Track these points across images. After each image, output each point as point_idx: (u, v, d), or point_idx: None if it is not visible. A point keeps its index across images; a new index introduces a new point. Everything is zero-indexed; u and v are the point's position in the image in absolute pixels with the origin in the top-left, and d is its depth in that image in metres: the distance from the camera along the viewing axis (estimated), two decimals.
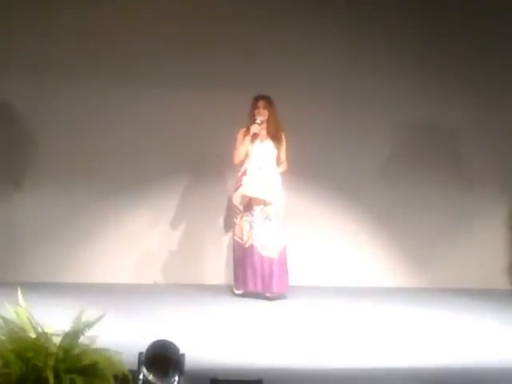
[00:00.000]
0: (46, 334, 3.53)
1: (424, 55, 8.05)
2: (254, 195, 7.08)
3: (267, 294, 7.07)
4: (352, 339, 5.63)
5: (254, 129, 7.14)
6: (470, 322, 6.29)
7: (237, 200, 7.19)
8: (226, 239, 7.86)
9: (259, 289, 7.07)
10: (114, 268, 7.72)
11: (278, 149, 7.20)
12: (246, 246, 7.09)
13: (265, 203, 7.10)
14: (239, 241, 7.15)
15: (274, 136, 7.21)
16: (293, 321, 6.33)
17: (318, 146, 7.86)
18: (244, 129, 7.21)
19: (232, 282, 7.35)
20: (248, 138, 7.13)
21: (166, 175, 7.86)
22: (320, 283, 7.75)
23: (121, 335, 4.96)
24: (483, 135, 8.14)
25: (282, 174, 7.24)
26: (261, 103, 7.17)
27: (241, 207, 7.15)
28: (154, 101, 7.77)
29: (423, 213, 8.08)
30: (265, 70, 7.77)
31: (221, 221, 7.87)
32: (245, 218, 7.11)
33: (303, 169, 7.57)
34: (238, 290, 7.21)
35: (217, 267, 7.81)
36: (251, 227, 7.08)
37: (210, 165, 7.80)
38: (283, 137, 7.23)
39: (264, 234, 7.07)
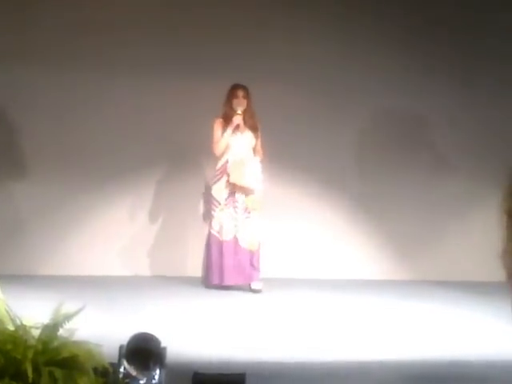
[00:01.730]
0: (25, 326, 3.56)
1: (410, 43, 8.05)
2: (243, 184, 7.09)
3: (253, 287, 7.11)
4: (337, 332, 5.67)
5: (237, 120, 7.14)
6: (460, 315, 6.30)
7: (216, 192, 7.19)
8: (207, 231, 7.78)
9: (239, 282, 7.11)
10: (94, 260, 7.71)
11: (256, 139, 7.23)
12: (225, 238, 7.10)
13: (246, 194, 7.13)
14: (216, 234, 7.15)
15: (252, 126, 7.22)
16: (275, 314, 6.36)
17: (295, 134, 7.88)
18: (220, 118, 7.21)
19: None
20: (229, 128, 7.14)
21: (144, 166, 7.82)
22: (301, 276, 7.75)
23: (101, 328, 4.97)
24: (468, 120, 8.10)
25: (259, 163, 7.28)
26: (240, 92, 7.16)
27: (221, 199, 7.15)
28: (130, 90, 7.76)
29: (408, 201, 8.04)
30: (242, 56, 7.75)
31: (201, 212, 7.84)
32: (226, 210, 7.12)
33: (280, 158, 7.64)
34: (210, 283, 7.19)
35: (198, 259, 7.73)
36: (232, 219, 7.10)
37: (188, 154, 7.80)
38: (259, 127, 7.25)
39: (245, 227, 7.10)
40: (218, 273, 7.12)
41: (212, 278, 7.18)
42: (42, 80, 7.66)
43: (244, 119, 7.18)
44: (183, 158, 7.85)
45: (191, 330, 5.59)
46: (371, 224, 8.00)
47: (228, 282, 7.10)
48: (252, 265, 7.12)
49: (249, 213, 7.15)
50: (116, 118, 7.79)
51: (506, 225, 1.37)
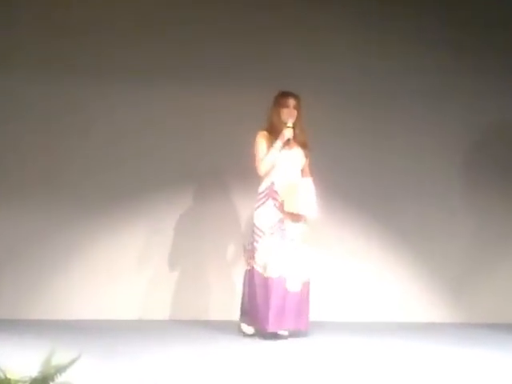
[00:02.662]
0: (9, 380, 3.25)
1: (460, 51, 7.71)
2: (299, 211, 6.23)
3: (285, 332, 6.24)
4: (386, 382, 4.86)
5: (288, 133, 6.27)
6: None
7: (260, 219, 6.27)
8: (229, 266, 7.29)
9: (284, 327, 6.24)
10: (88, 302, 7.13)
11: (307, 157, 6.39)
12: (271, 275, 6.18)
13: (297, 223, 6.26)
14: (259, 270, 6.24)
15: (302, 143, 6.38)
16: (318, 362, 5.53)
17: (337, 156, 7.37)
18: (264, 131, 6.36)
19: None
20: (277, 143, 6.27)
21: (153, 188, 7.25)
22: (342, 318, 7.36)
23: (100, 381, 4.48)
24: None
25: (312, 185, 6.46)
26: (292, 101, 6.30)
27: (265, 228, 6.24)
28: (128, 98, 7.27)
29: (455, 239, 7.68)
30: (277, 63, 7.30)
31: (226, 244, 7.31)
32: (272, 241, 6.21)
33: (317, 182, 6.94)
34: (249, 327, 6.36)
35: (219, 299, 7.24)
36: (280, 252, 6.20)
37: (210, 177, 7.30)
38: (309, 144, 6.41)
39: (293, 263, 6.21)
40: (260, 316, 6.21)
41: (251, 322, 6.31)
42: (27, 90, 7.12)
43: (295, 133, 6.32)
44: (204, 180, 7.31)
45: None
46: (418, 263, 7.64)
47: (276, 327, 6.19)
48: (300, 308, 6.25)
49: (298, 245, 6.27)
50: (115, 131, 7.26)
51: None
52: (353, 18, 7.55)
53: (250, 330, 6.35)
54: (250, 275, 6.29)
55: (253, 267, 6.25)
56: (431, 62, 7.64)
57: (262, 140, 6.30)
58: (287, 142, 6.26)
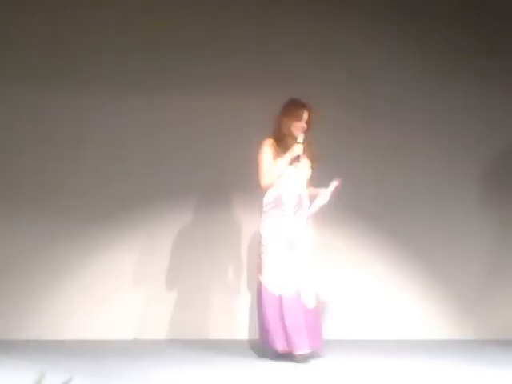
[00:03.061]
0: None
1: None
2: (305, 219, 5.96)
3: (299, 353, 5.82)
4: None
5: (299, 150, 5.95)
6: None
7: (267, 232, 5.91)
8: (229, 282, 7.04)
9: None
10: (83, 321, 6.92)
11: (313, 169, 6.08)
12: (285, 294, 5.83)
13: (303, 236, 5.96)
14: (268, 287, 5.88)
15: (311, 155, 6.05)
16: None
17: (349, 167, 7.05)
18: (271, 140, 6.03)
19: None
20: (286, 157, 5.93)
21: (147, 203, 7.04)
22: (352, 336, 7.11)
23: None
24: None
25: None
26: (305, 114, 5.97)
27: (272, 240, 5.89)
28: (115, 108, 7.07)
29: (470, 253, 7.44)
30: (286, 71, 7.08)
31: (228, 258, 7.06)
32: (278, 255, 5.88)
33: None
34: (273, 349, 5.91)
35: (220, 318, 6.98)
36: (289, 268, 5.86)
37: (211, 190, 7.09)
38: (317, 157, 6.11)
39: (305, 277, 5.88)
40: (279, 337, 5.83)
41: (274, 343, 5.87)
42: (15, 101, 6.95)
43: (304, 144, 6.01)
44: (205, 191, 7.10)
45: None
46: (429, 279, 7.40)
47: (279, 347, 5.85)
48: (310, 325, 5.86)
49: (306, 261, 5.91)
50: (109, 143, 7.06)
51: None
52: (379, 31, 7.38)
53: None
54: (259, 292, 5.96)
55: (261, 283, 5.92)
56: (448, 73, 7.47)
57: (268, 149, 5.98)
58: (296, 159, 5.96)
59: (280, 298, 5.81)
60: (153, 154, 7.07)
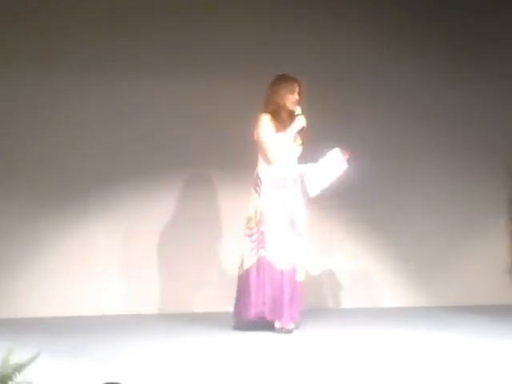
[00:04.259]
0: None
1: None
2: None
3: (287, 327, 6.00)
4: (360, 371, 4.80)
5: (302, 121, 5.94)
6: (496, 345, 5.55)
7: (264, 205, 5.97)
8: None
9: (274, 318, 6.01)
10: (51, 299, 6.94)
11: (303, 143, 6.09)
12: (282, 268, 5.96)
13: (299, 211, 6.02)
14: (268, 259, 5.96)
15: (301, 130, 6.04)
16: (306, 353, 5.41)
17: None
18: (268, 115, 6.00)
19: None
20: (291, 132, 5.95)
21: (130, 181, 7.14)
22: (320, 306, 7.29)
23: (61, 379, 4.31)
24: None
25: None
26: (297, 87, 5.97)
27: (271, 216, 5.95)
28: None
29: (417, 215, 7.68)
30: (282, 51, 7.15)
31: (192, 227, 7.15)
32: (279, 231, 5.97)
33: None
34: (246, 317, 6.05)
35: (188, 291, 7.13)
36: (287, 242, 5.96)
37: (198, 167, 7.21)
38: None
39: (291, 250, 5.97)
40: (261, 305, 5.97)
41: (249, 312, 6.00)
42: None
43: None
44: (191, 167, 7.23)
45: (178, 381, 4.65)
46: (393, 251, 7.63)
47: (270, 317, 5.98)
48: (294, 299, 6.00)
49: (297, 234, 6.02)
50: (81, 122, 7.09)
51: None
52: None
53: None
54: (258, 266, 5.99)
55: (263, 256, 5.97)
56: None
57: (268, 124, 5.97)
58: (302, 131, 5.98)
59: (281, 272, 5.93)
60: (119, 136, 7.11)
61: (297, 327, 6.07)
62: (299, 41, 7.28)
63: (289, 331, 5.95)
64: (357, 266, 7.51)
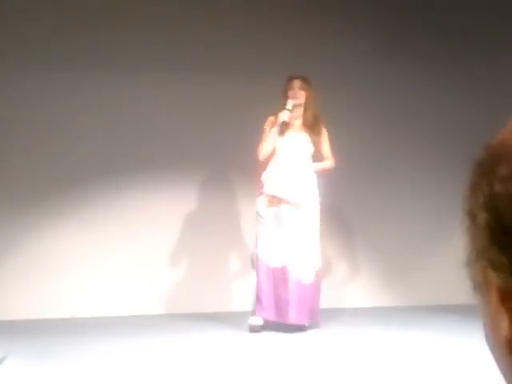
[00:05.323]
0: None
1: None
2: (278, 194, 6.04)
3: (306, 324, 6.08)
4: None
5: (284, 116, 6.02)
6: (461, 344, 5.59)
7: (261, 207, 6.11)
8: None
9: (291, 320, 6.04)
10: (22, 302, 6.87)
11: (317, 143, 6.13)
12: (274, 265, 6.04)
13: (296, 210, 6.04)
14: (263, 259, 6.06)
15: (312, 127, 6.13)
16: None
17: None
18: (272, 117, 6.12)
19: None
20: (276, 128, 6.07)
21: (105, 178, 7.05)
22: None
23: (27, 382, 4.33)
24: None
25: (330, 171, 6.25)
26: (296, 83, 6.05)
27: (266, 216, 6.07)
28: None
29: (391, 221, 7.66)
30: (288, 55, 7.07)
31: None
32: (272, 230, 6.04)
33: None
34: (261, 316, 6.09)
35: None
36: (281, 242, 6.02)
37: (205, 171, 7.19)
38: (323, 128, 6.16)
39: (297, 253, 6.03)
40: (268, 306, 6.05)
41: (261, 312, 6.06)
42: None
43: (304, 117, 6.10)
44: (200, 171, 7.20)
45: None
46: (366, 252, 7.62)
47: (281, 319, 6.03)
48: (304, 302, 6.05)
49: (303, 234, 6.05)
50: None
51: (469, 228, 0.82)
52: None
53: (257, 320, 6.09)
54: (257, 263, 6.11)
55: (256, 254, 6.11)
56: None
57: (266, 125, 6.12)
58: (285, 126, 6.04)
59: (273, 270, 6.02)
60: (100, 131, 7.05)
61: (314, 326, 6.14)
62: (296, 46, 7.28)
63: (301, 328, 6.01)
64: (331, 267, 7.46)
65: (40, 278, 6.95)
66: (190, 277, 7.22)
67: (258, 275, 6.10)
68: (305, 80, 6.07)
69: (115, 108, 7.10)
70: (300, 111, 6.12)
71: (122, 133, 7.08)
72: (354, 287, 7.57)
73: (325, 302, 7.07)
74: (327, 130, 6.20)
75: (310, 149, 6.13)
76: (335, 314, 6.77)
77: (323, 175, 6.22)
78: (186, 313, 6.93)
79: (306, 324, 6.10)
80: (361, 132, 7.50)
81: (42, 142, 6.97)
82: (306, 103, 6.10)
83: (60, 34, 6.94)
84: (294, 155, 6.09)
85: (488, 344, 0.76)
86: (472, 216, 0.82)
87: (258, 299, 6.07)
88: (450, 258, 7.61)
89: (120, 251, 7.11)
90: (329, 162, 6.20)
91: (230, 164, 7.15)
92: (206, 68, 7.12)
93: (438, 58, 7.75)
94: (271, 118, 6.10)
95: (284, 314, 6.01)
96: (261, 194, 6.12)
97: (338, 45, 7.44)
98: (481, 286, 0.76)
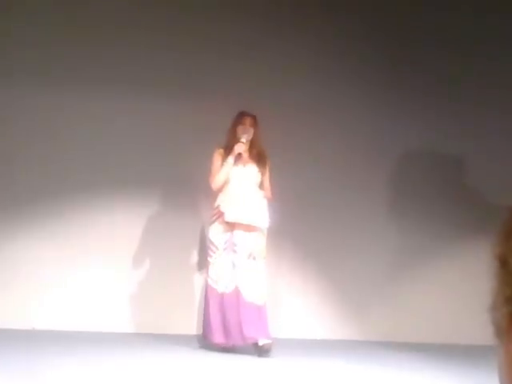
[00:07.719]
0: None
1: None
2: (241, 221, 6.34)
3: (260, 343, 6.29)
4: None
5: (239, 148, 6.47)
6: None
7: (214, 235, 6.47)
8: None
9: (242, 342, 6.36)
10: None
11: (263, 174, 6.57)
12: (225, 290, 6.35)
13: (249, 236, 6.38)
14: (213, 285, 6.40)
15: (258, 159, 6.58)
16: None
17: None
18: (221, 149, 6.57)
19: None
20: (230, 158, 6.48)
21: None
22: None
23: None
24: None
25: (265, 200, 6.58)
26: (247, 120, 6.55)
27: (219, 243, 6.43)
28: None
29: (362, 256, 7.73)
30: (247, 81, 7.44)
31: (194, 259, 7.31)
32: (225, 257, 6.39)
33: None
34: (211, 342, 6.45)
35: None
36: (233, 267, 6.35)
37: (171, 187, 7.35)
38: (268, 161, 6.62)
39: (249, 276, 6.34)
40: (220, 331, 6.37)
41: (213, 337, 6.41)
42: None
43: (250, 150, 6.56)
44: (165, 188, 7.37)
45: None
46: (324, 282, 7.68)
47: (232, 341, 6.38)
48: (259, 321, 6.32)
49: (254, 259, 6.38)
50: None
51: (498, 273, 0.85)
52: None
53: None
54: (206, 290, 6.49)
55: (207, 282, 6.43)
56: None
57: (217, 157, 6.49)
58: (239, 157, 6.45)
59: (222, 295, 6.29)
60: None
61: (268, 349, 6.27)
62: (249, 70, 7.52)
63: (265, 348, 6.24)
64: (292, 298, 7.57)
65: (4, 288, 6.96)
66: (151, 295, 7.29)
67: (207, 301, 6.41)
68: (254, 118, 6.55)
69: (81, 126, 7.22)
70: (247, 145, 6.53)
71: (96, 148, 7.20)
72: (315, 318, 7.61)
73: (279, 331, 7.16)
74: (271, 164, 6.63)
75: (258, 178, 6.54)
76: (288, 344, 6.82)
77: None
78: (150, 333, 6.98)
79: (261, 343, 6.26)
80: (317, 160, 7.62)
81: (10, 154, 7.02)
82: (253, 138, 6.55)
83: (33, 46, 7.08)
84: (245, 183, 6.47)
85: None
86: (503, 262, 0.80)
87: (208, 324, 6.38)
88: (407, 297, 7.77)
89: (85, 266, 7.16)
90: (267, 194, 6.56)
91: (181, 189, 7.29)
92: (155, 91, 7.31)
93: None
94: (220, 151, 6.51)
95: (236, 336, 6.29)
96: (214, 221, 6.44)
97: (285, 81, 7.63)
98: (503, 332, 0.72)
